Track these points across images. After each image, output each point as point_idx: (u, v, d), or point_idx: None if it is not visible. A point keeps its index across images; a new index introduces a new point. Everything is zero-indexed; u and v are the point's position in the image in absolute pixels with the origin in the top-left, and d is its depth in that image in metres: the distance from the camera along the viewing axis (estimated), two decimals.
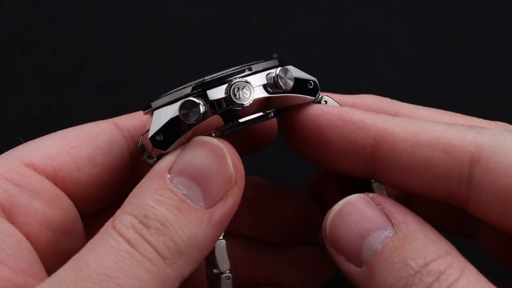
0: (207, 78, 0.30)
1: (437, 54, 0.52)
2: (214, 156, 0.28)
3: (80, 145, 0.31)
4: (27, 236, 0.28)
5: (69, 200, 0.31)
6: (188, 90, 0.29)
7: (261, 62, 0.31)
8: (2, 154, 0.31)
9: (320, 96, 0.32)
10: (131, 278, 0.25)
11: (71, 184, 0.31)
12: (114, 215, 0.27)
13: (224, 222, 0.28)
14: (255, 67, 0.30)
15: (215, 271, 0.30)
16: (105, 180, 0.32)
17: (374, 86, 0.51)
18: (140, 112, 0.34)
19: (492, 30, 0.53)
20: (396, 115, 0.33)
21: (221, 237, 0.30)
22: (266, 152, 0.48)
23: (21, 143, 0.32)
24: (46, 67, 0.52)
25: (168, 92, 0.30)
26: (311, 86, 0.32)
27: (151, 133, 0.29)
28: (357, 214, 0.28)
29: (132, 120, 0.34)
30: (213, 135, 0.30)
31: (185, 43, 0.53)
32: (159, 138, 0.29)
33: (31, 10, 0.54)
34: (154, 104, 0.30)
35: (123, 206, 0.27)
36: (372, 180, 0.32)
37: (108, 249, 0.25)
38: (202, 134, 0.30)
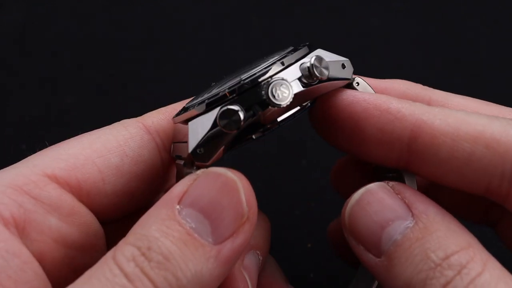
0: (239, 79, 0.28)
1: (437, 54, 0.52)
2: (227, 190, 0.26)
3: (107, 154, 0.30)
4: (41, 254, 0.27)
5: (91, 214, 0.30)
6: (222, 95, 0.27)
7: (290, 52, 0.29)
8: (25, 160, 0.29)
9: (353, 77, 0.31)
10: None
11: (96, 196, 0.30)
12: (117, 245, 0.25)
13: (233, 260, 0.26)
14: (287, 60, 0.28)
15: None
16: (134, 188, 0.31)
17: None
18: (166, 109, 0.32)
19: (492, 30, 0.54)
20: (429, 102, 0.32)
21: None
22: (266, 152, 0.48)
23: (46, 147, 0.30)
24: (46, 67, 0.52)
25: (199, 100, 0.28)
26: (344, 68, 0.30)
27: (191, 147, 0.27)
28: (377, 203, 0.28)
29: (161, 121, 0.32)
30: (254, 137, 0.29)
31: (185, 43, 0.53)
32: (200, 151, 0.27)
33: (31, 10, 0.54)
34: (187, 114, 0.28)
35: (127, 235, 0.25)
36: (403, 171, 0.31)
37: (103, 282, 0.24)
38: (243, 139, 0.28)
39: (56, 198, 0.28)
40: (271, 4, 0.55)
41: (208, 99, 0.28)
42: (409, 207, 0.27)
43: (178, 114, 0.29)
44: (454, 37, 0.53)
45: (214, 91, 0.28)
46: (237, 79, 0.28)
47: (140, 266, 0.24)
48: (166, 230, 0.25)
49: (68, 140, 0.30)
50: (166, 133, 0.31)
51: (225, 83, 0.29)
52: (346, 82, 0.30)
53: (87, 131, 0.33)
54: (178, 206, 0.26)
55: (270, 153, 0.48)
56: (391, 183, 0.28)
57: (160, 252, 0.24)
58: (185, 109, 0.29)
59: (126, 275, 0.24)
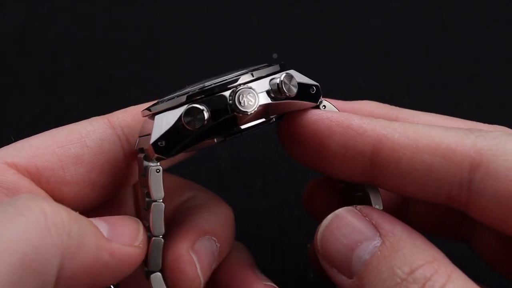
0: (210, 83, 0.29)
1: (437, 54, 0.52)
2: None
3: (67, 144, 0.31)
4: None
5: (47, 196, 0.31)
6: (191, 95, 0.29)
7: (263, 67, 0.31)
8: None
9: (320, 100, 0.32)
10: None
11: (56, 183, 0.31)
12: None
13: (117, 259, 0.29)
14: (257, 73, 0.30)
15: (148, 234, 0.31)
16: (95, 179, 0.32)
17: (374, 86, 0.51)
18: (134, 108, 0.34)
19: (492, 30, 0.53)
20: (396, 120, 0.33)
21: (161, 200, 0.30)
22: (266, 152, 0.48)
23: (12, 142, 0.32)
24: (46, 67, 0.52)
25: (169, 96, 0.30)
26: (314, 92, 0.31)
27: (153, 139, 0.29)
28: (346, 226, 0.29)
29: (126, 117, 0.33)
30: (215, 140, 0.30)
31: (185, 43, 0.53)
32: (161, 144, 0.29)
33: (31, 10, 0.54)
34: (155, 108, 0.30)
35: None
36: (366, 185, 0.32)
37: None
38: (205, 139, 0.29)
39: (14, 183, 0.30)
40: (271, 4, 0.55)
41: (177, 96, 0.29)
42: (376, 228, 0.28)
43: (148, 108, 0.30)
44: (454, 37, 0.53)
45: (185, 90, 0.30)
46: (209, 82, 0.29)
47: (41, 208, 0.26)
48: None
49: (32, 136, 0.32)
50: (130, 128, 0.33)
51: (198, 85, 0.30)
52: (313, 104, 0.31)
53: None
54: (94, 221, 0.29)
55: (270, 153, 0.48)
56: (358, 206, 0.29)
57: (76, 216, 0.27)
58: (154, 104, 0.30)
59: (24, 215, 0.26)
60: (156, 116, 0.29)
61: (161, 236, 0.31)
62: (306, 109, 0.31)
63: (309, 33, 0.53)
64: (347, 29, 0.54)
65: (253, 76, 0.30)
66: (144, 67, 0.52)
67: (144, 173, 0.30)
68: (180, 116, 0.29)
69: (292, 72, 0.31)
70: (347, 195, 0.34)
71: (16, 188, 0.30)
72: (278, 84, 0.29)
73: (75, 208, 0.31)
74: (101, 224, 0.29)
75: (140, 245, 0.30)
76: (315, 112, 0.31)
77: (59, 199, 0.31)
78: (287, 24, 0.54)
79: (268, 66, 0.31)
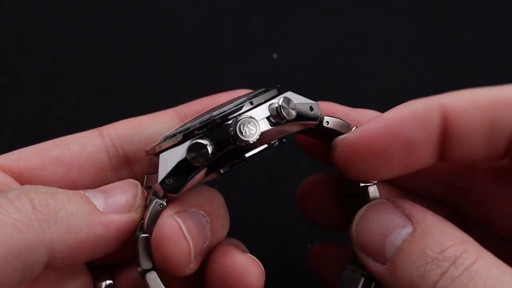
0: (209, 116, 0.30)
1: (437, 54, 0.52)
2: (129, 183, 0.32)
3: (51, 147, 0.33)
4: None
5: None
6: (192, 130, 0.29)
7: (261, 93, 0.31)
8: None
9: (321, 117, 0.32)
10: None
11: (36, 182, 0.32)
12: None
13: (114, 229, 0.30)
14: (256, 100, 0.30)
15: (138, 269, 0.31)
16: (75, 178, 0.33)
17: (374, 86, 0.51)
18: (126, 120, 0.35)
19: (492, 30, 0.54)
20: None
21: (151, 269, 0.31)
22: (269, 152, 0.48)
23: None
24: (46, 67, 0.52)
25: (171, 133, 0.30)
26: (312, 111, 0.31)
27: (160, 178, 0.29)
28: (379, 216, 0.30)
29: (116, 126, 0.35)
30: (222, 171, 0.31)
31: (185, 43, 0.53)
32: (169, 182, 0.29)
33: (31, 10, 0.54)
34: (159, 147, 0.30)
35: None
36: (367, 185, 0.33)
37: None
38: (210, 173, 0.30)
39: None
40: (271, 4, 0.55)
41: (179, 133, 0.30)
42: (408, 217, 0.30)
43: (152, 147, 0.31)
44: (454, 37, 0.53)
45: (186, 126, 0.30)
46: (208, 115, 0.30)
47: (27, 194, 0.28)
48: (64, 189, 0.30)
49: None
50: (118, 134, 0.34)
51: (198, 119, 0.30)
52: (313, 123, 0.32)
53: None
54: (87, 193, 0.31)
55: (271, 153, 0.48)
56: (391, 199, 0.31)
57: (50, 189, 0.29)
58: (158, 143, 0.31)
59: (11, 202, 0.28)
60: (161, 155, 0.30)
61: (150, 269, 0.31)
62: (349, 135, 0.31)
63: (309, 33, 0.53)
64: (347, 29, 0.54)
65: (252, 104, 0.30)
66: (144, 67, 0.52)
67: (148, 205, 0.31)
68: (184, 153, 0.29)
69: (289, 94, 0.31)
70: (347, 196, 0.35)
71: None
72: (277, 108, 0.30)
73: None
74: (98, 196, 0.30)
75: (138, 209, 0.31)
76: (362, 131, 0.30)
77: None
78: (287, 24, 0.54)
79: (265, 91, 0.31)
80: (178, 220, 0.30)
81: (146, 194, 0.32)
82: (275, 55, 0.53)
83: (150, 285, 0.30)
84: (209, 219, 0.32)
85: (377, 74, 0.52)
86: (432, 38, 0.53)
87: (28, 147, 0.34)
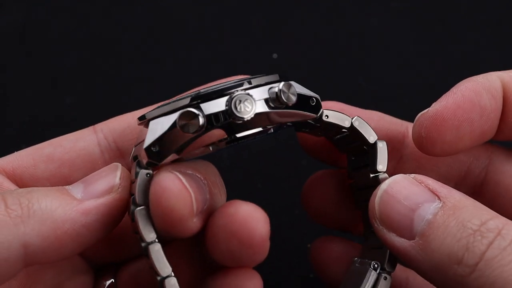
0: (206, 89, 0.29)
1: (437, 54, 0.52)
2: (109, 168, 0.31)
3: (44, 147, 0.33)
4: None
5: None
6: (187, 101, 0.28)
7: (262, 76, 0.30)
8: None
9: (321, 111, 0.31)
10: None
11: (28, 181, 0.33)
12: None
13: (94, 212, 0.29)
14: (256, 81, 0.29)
15: (157, 278, 0.29)
16: (66, 174, 0.33)
17: (374, 86, 0.51)
18: (121, 116, 0.34)
19: (492, 30, 0.54)
20: (406, 129, 0.35)
21: (154, 241, 0.29)
22: (266, 152, 0.48)
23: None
24: (46, 67, 0.52)
25: (165, 102, 0.29)
26: (313, 103, 0.31)
27: (146, 143, 0.29)
28: (405, 190, 0.29)
29: (110, 122, 0.34)
30: (211, 149, 0.30)
31: (185, 43, 0.53)
32: (155, 149, 0.28)
33: (31, 10, 0.54)
34: (150, 114, 0.29)
35: None
36: (377, 174, 0.32)
37: None
38: (199, 147, 0.29)
39: None
40: (271, 4, 0.55)
41: (173, 101, 0.29)
42: (433, 192, 0.29)
43: (143, 116, 0.30)
44: (454, 37, 0.53)
45: (181, 96, 0.29)
46: (205, 89, 0.29)
47: (2, 195, 0.28)
48: (46, 187, 0.30)
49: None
50: (111, 129, 0.34)
51: (195, 92, 0.29)
52: (313, 116, 0.31)
53: None
54: (67, 186, 0.30)
55: (270, 153, 0.48)
56: (412, 174, 0.30)
57: (27, 189, 0.29)
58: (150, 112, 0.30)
59: None
60: (151, 122, 0.29)
61: (154, 241, 0.29)
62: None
63: (309, 33, 0.53)
64: (347, 29, 0.54)
65: (251, 84, 0.29)
66: (144, 67, 0.52)
67: (135, 180, 0.30)
68: (175, 121, 0.28)
69: (292, 82, 0.30)
70: (358, 190, 0.34)
71: None
72: (276, 92, 0.29)
73: None
74: (78, 186, 0.30)
75: (119, 189, 0.30)
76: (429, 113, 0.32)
77: None
78: (287, 24, 0.54)
79: (267, 75, 0.30)
80: (177, 173, 0.29)
81: (131, 170, 0.31)
82: (275, 55, 0.53)
83: (152, 257, 0.29)
84: (206, 182, 0.31)
85: (377, 74, 0.52)
86: (432, 38, 0.53)
87: (24, 149, 0.34)
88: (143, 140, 0.29)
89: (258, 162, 0.48)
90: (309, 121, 0.32)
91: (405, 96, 0.51)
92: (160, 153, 0.29)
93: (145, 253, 0.29)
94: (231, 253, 0.29)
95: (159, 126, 0.29)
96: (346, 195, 0.36)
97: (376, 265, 0.32)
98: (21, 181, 0.33)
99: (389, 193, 0.30)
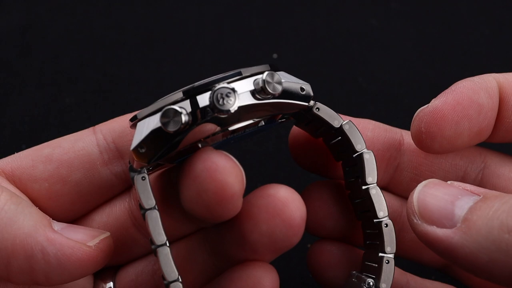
0: (193, 85, 0.28)
1: (436, 54, 0.52)
2: None
3: (43, 148, 0.33)
4: None
5: (19, 192, 0.33)
6: (171, 99, 0.28)
7: (250, 68, 0.29)
8: None
9: (313, 103, 0.31)
10: None
11: (27, 181, 0.33)
12: None
13: (56, 249, 0.29)
14: (242, 72, 0.28)
15: (164, 282, 0.29)
16: (64, 174, 0.33)
17: (374, 86, 0.51)
18: (124, 117, 0.34)
19: (492, 30, 0.54)
20: (401, 136, 0.35)
21: (164, 244, 0.29)
22: (265, 151, 0.48)
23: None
24: (46, 68, 0.52)
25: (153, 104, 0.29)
26: (303, 92, 0.30)
27: (133, 145, 0.28)
28: (443, 187, 0.29)
29: (110, 123, 0.34)
30: (200, 145, 0.29)
31: (185, 43, 0.53)
32: (142, 150, 0.28)
33: (31, 10, 0.54)
34: (139, 115, 0.29)
35: None
36: (368, 187, 0.32)
37: None
38: (189, 143, 0.28)
39: None
40: (271, 4, 0.55)
41: (159, 100, 0.28)
42: (472, 192, 0.29)
43: (133, 117, 0.30)
44: (454, 37, 0.53)
45: (167, 96, 0.29)
46: (189, 85, 0.28)
47: None
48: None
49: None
50: (110, 130, 0.34)
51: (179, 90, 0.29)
52: (304, 105, 0.30)
53: None
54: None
55: (270, 153, 0.48)
56: (449, 181, 0.30)
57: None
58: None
59: None
60: (138, 123, 0.29)
61: (164, 244, 0.29)
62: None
63: (309, 33, 0.53)
64: (347, 29, 0.54)
65: (235, 76, 0.28)
66: (144, 67, 0.52)
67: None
68: (159, 120, 0.27)
69: (281, 73, 0.30)
70: (353, 201, 0.34)
71: None
72: (260, 83, 0.28)
73: (51, 205, 0.33)
74: (58, 223, 0.30)
75: (92, 247, 0.30)
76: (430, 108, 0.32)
77: (31, 195, 0.33)
78: (287, 24, 0.54)
79: (254, 66, 0.29)
80: (223, 152, 0.29)
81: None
82: (275, 55, 0.53)
83: (161, 260, 0.29)
84: None
85: (377, 74, 0.52)
86: (432, 38, 0.53)
87: (23, 151, 0.34)
88: None
89: (258, 162, 0.48)
90: (302, 111, 0.31)
91: (405, 96, 0.51)
92: (147, 154, 0.28)
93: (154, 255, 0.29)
94: (271, 234, 0.29)
95: (145, 127, 0.28)
96: (343, 205, 0.35)
97: (371, 284, 0.32)
98: (20, 182, 0.33)
99: (429, 187, 0.30)
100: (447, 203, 0.29)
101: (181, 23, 0.54)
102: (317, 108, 0.31)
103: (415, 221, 0.29)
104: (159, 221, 0.29)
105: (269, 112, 0.29)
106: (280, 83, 0.28)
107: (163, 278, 0.29)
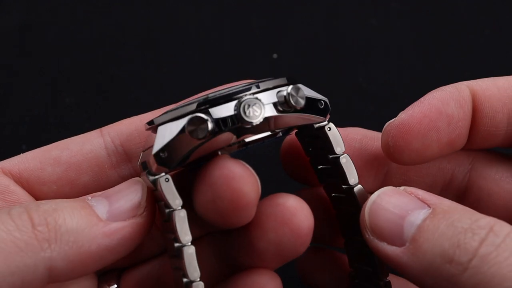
0: (215, 93, 0.29)
1: (436, 54, 0.53)
2: (133, 185, 0.31)
3: (50, 150, 0.33)
4: None
5: (28, 195, 0.32)
6: (194, 106, 0.28)
7: (270, 79, 0.30)
8: None
9: (327, 121, 0.31)
10: None
11: (34, 183, 0.33)
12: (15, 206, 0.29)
13: (118, 236, 0.29)
14: (264, 84, 0.29)
15: (184, 280, 0.29)
16: (73, 177, 0.33)
17: (374, 86, 0.51)
18: (128, 119, 0.34)
19: (492, 30, 0.54)
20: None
21: (189, 243, 0.29)
22: (265, 152, 0.48)
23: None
24: (46, 67, 0.52)
25: (173, 107, 0.29)
26: (322, 106, 0.31)
27: (155, 149, 0.28)
28: (394, 199, 0.29)
29: (117, 125, 0.34)
30: (219, 153, 0.30)
31: (185, 43, 0.53)
32: (164, 155, 0.28)
33: (31, 10, 0.54)
34: (158, 119, 0.29)
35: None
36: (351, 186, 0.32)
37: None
38: (208, 151, 0.29)
39: None
40: (271, 4, 0.55)
41: (181, 106, 0.28)
42: (423, 201, 0.29)
43: (151, 121, 0.30)
44: (454, 37, 0.53)
45: (189, 101, 0.29)
46: (213, 93, 0.29)
47: (26, 207, 0.28)
48: (68, 200, 0.29)
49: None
50: (118, 132, 0.34)
51: (203, 96, 0.29)
52: (322, 119, 0.31)
53: (87, 131, 0.35)
54: (90, 200, 0.30)
55: (270, 152, 0.48)
56: (402, 187, 0.30)
57: (52, 205, 0.28)
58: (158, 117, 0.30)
59: (9, 212, 0.28)
60: (159, 127, 0.29)
61: (189, 243, 0.29)
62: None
63: (309, 33, 0.54)
64: (347, 29, 0.54)
65: (259, 87, 0.29)
66: (144, 67, 0.52)
67: (155, 188, 0.30)
68: (184, 126, 0.28)
69: (300, 86, 0.30)
70: (335, 205, 0.34)
71: None
72: (285, 96, 0.29)
73: None
74: (101, 202, 0.30)
75: (144, 214, 0.30)
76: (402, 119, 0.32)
77: (40, 198, 0.33)
78: (287, 24, 0.54)
79: (275, 78, 0.30)
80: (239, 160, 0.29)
81: (141, 176, 0.31)
82: (275, 55, 0.53)
83: (185, 259, 0.29)
84: None
85: (377, 74, 0.52)
86: (432, 38, 0.53)
87: (30, 151, 0.34)
88: (152, 146, 0.29)
89: (257, 161, 0.48)
90: (312, 125, 0.31)
91: (405, 96, 0.51)
92: (169, 159, 0.28)
93: (176, 254, 0.29)
94: (279, 242, 0.30)
95: (168, 132, 0.28)
96: (326, 212, 0.35)
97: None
98: (28, 184, 0.33)
99: (378, 203, 0.30)
100: (397, 218, 0.29)
101: (181, 23, 0.54)
102: (329, 128, 0.31)
103: (367, 236, 0.30)
104: (186, 221, 0.29)
105: (289, 124, 0.30)
106: (303, 97, 0.29)
107: (185, 276, 0.29)
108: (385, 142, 0.32)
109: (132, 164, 0.34)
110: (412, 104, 0.32)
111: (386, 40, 0.53)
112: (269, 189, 0.31)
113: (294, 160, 0.35)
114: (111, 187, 0.33)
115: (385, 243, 0.29)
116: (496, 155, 0.35)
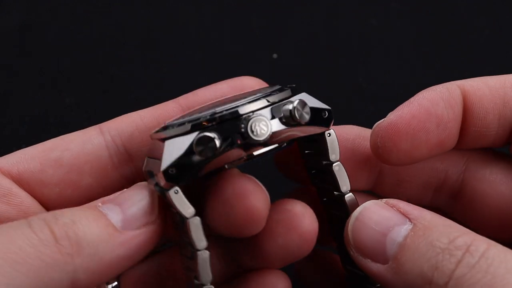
0: (221, 109, 0.29)
1: (436, 54, 0.53)
2: (145, 191, 0.30)
3: (50, 149, 0.33)
4: None
5: (30, 197, 0.32)
6: (202, 121, 0.28)
7: (275, 92, 0.30)
8: None
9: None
10: (13, 247, 0.26)
11: (36, 186, 0.32)
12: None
13: (134, 246, 0.29)
14: (270, 99, 0.29)
15: (195, 282, 0.30)
16: (75, 179, 0.33)
17: (374, 86, 0.51)
18: (126, 115, 0.34)
19: (492, 30, 0.54)
20: None
21: (205, 248, 0.29)
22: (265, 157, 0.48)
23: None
24: (46, 67, 0.52)
25: (179, 121, 0.29)
26: (325, 116, 0.31)
27: (163, 166, 0.28)
28: (375, 215, 0.30)
29: (116, 122, 0.34)
30: (226, 167, 0.30)
31: (185, 43, 0.53)
32: (172, 171, 0.28)
33: (31, 10, 0.54)
34: (166, 133, 0.29)
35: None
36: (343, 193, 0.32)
37: (6, 228, 0.27)
38: (216, 166, 0.29)
39: None
40: (271, 4, 0.55)
41: (188, 122, 0.29)
42: (405, 215, 0.29)
43: (157, 131, 0.30)
44: (454, 37, 0.53)
45: (196, 116, 0.29)
46: (220, 108, 0.29)
47: (46, 221, 0.27)
48: (82, 209, 0.29)
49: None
50: (119, 130, 0.33)
51: (209, 110, 0.30)
52: (325, 129, 0.31)
53: None
54: (102, 207, 0.29)
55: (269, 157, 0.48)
56: (384, 199, 0.30)
57: (70, 216, 0.28)
58: (164, 128, 0.30)
59: (30, 225, 0.27)
60: (166, 142, 0.29)
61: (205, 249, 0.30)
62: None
63: (309, 33, 0.54)
64: (347, 29, 0.54)
65: (268, 102, 0.29)
66: (144, 67, 0.52)
67: (164, 197, 0.30)
68: (191, 144, 0.28)
69: (303, 95, 0.30)
70: (327, 209, 0.34)
71: None
72: (291, 111, 0.29)
73: (60, 208, 0.32)
74: (114, 210, 0.29)
75: (157, 220, 0.30)
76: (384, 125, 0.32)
77: (41, 200, 0.32)
78: (287, 24, 0.54)
79: (279, 91, 0.30)
80: (249, 175, 0.30)
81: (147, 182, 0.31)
82: (275, 55, 0.53)
83: (199, 264, 0.29)
84: None
85: (377, 74, 0.52)
86: (432, 38, 0.53)
87: (28, 148, 0.33)
88: (158, 158, 0.29)
89: (257, 161, 0.48)
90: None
91: (405, 96, 0.51)
92: (177, 176, 0.28)
93: (190, 256, 0.30)
94: (286, 246, 0.31)
95: (176, 149, 0.28)
96: (318, 211, 0.35)
97: None
98: (28, 186, 0.32)
99: (361, 220, 0.30)
100: (379, 235, 0.29)
101: (181, 23, 0.54)
102: (329, 133, 0.32)
103: (351, 253, 0.30)
104: (201, 228, 0.29)
105: (294, 136, 0.30)
106: (308, 113, 0.30)
107: (197, 279, 0.29)
108: (373, 143, 0.32)
109: (133, 164, 0.34)
110: (401, 105, 0.32)
111: (386, 40, 0.53)
112: (265, 186, 0.31)
113: (288, 160, 0.36)
114: (113, 188, 0.33)
115: (369, 260, 0.29)
116: (491, 155, 0.35)
